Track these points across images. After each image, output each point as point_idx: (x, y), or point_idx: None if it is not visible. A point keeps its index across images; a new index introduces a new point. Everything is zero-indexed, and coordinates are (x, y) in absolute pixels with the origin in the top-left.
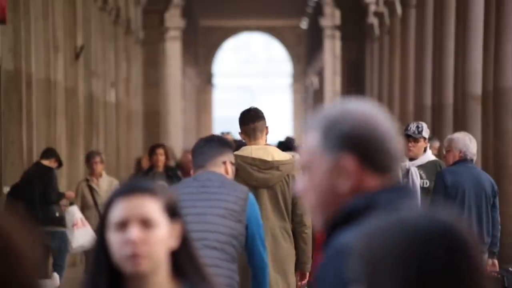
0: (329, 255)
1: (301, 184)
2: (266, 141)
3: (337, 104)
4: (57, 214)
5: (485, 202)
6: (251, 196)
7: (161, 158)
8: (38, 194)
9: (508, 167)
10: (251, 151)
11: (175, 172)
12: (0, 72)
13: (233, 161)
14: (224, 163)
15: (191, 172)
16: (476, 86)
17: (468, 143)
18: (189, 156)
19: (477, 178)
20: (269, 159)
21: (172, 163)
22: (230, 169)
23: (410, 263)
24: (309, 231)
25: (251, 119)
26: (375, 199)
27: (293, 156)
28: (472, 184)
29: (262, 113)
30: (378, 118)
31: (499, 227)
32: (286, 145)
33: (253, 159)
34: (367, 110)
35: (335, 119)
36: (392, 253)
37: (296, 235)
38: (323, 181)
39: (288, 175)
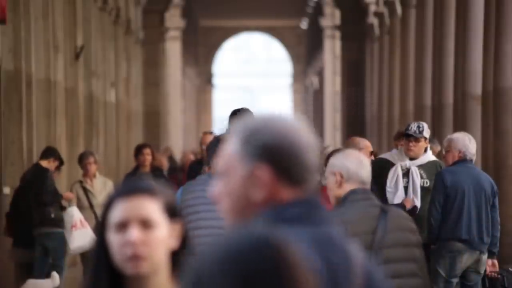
0: None
1: (216, 188)
2: None
3: (260, 114)
4: (52, 215)
5: (484, 202)
6: None
7: (148, 158)
8: (33, 195)
9: (508, 167)
10: None
11: (162, 172)
12: (0, 72)
13: None
14: None
15: (206, 168)
16: (476, 86)
17: (468, 143)
18: (190, 156)
19: (476, 178)
20: None
21: (165, 163)
22: None
23: (235, 278)
24: None
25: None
26: (281, 212)
27: None
28: (472, 184)
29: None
30: (298, 131)
31: (499, 227)
32: None
33: None
34: (288, 122)
35: (256, 129)
36: (218, 268)
37: None
38: (238, 189)
39: None
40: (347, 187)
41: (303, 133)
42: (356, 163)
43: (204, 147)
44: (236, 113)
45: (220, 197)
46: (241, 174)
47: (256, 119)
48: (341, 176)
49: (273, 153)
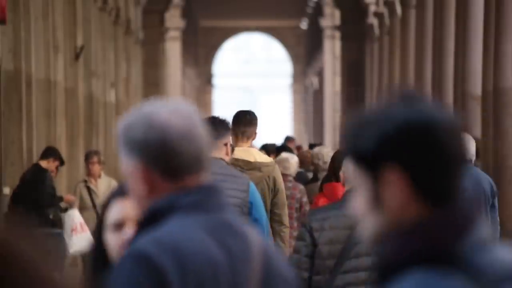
0: (125, 257)
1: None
2: (250, 144)
3: (135, 109)
4: (51, 216)
5: (484, 202)
6: (252, 185)
7: None
8: (31, 196)
9: (508, 168)
10: (235, 152)
11: None
12: (0, 72)
13: (230, 141)
14: (226, 145)
15: None
16: (476, 86)
17: (467, 143)
18: None
19: (476, 179)
20: (252, 160)
21: None
22: (229, 150)
23: None
24: (286, 231)
25: (244, 123)
26: (175, 201)
27: (288, 157)
28: (471, 185)
29: (256, 120)
30: (169, 122)
31: (499, 227)
32: (284, 146)
33: (236, 159)
34: (158, 114)
35: (127, 126)
36: None
37: (274, 234)
38: (131, 185)
39: (269, 176)
40: (347, 186)
41: (175, 123)
42: None
43: None
44: (240, 116)
45: (130, 193)
46: (128, 172)
47: (129, 116)
48: (344, 175)
49: (143, 148)
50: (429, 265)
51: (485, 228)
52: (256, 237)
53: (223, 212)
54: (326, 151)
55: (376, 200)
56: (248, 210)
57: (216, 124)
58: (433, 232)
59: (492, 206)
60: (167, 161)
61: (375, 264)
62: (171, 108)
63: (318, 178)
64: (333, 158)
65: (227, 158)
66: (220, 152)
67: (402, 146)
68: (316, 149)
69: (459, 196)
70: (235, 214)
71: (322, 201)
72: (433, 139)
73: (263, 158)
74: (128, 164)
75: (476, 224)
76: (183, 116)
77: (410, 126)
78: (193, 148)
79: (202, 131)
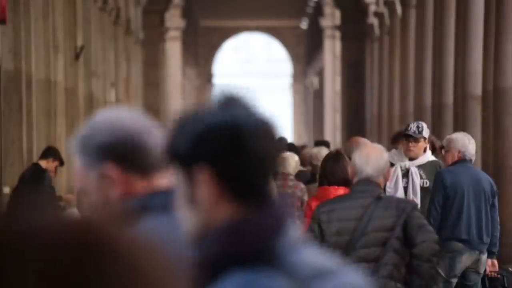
0: None
1: (84, 202)
2: None
3: (90, 120)
4: None
5: (484, 202)
6: None
7: None
8: (30, 195)
9: (508, 167)
10: None
11: None
12: (0, 72)
13: None
14: None
15: None
16: (476, 86)
17: (467, 143)
18: None
19: (476, 179)
20: None
21: None
22: None
23: None
24: None
25: None
26: (146, 202)
27: (288, 156)
28: (472, 185)
29: None
30: (132, 123)
31: (498, 227)
32: (288, 146)
33: None
34: (118, 117)
35: (88, 135)
36: None
37: None
38: (97, 197)
39: None
40: (355, 180)
41: (138, 124)
42: (363, 159)
43: None
44: None
45: (88, 209)
46: (93, 182)
47: (86, 127)
48: (351, 170)
49: (112, 149)
50: (248, 265)
51: (294, 229)
52: None
53: None
54: (324, 152)
55: (191, 199)
56: None
57: None
58: (248, 232)
59: (492, 205)
60: (137, 161)
61: (197, 263)
62: (127, 112)
63: (316, 179)
64: (323, 162)
65: None
66: None
67: (211, 148)
68: (315, 150)
69: (270, 197)
70: None
71: (314, 204)
72: (240, 142)
73: None
74: (94, 173)
75: (287, 224)
76: (140, 117)
77: (218, 128)
78: (158, 145)
79: (159, 133)
